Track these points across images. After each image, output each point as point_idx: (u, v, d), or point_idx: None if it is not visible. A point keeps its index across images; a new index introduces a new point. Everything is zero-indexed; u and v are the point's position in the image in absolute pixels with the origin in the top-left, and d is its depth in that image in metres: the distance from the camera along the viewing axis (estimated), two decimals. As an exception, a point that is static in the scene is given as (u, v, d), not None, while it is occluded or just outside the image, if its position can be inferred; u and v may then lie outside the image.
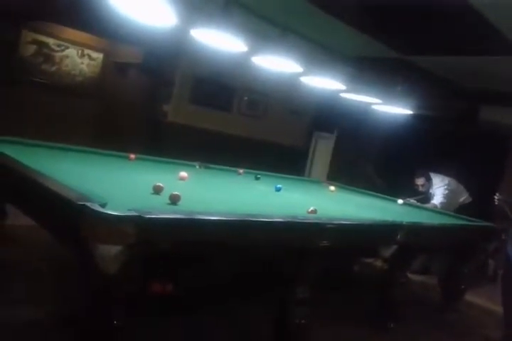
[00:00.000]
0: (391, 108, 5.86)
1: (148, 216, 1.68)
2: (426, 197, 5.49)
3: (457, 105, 7.11)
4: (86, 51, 7.18)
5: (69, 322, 2.39)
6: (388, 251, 3.37)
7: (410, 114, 6.28)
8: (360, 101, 5.79)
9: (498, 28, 4.28)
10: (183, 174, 3.40)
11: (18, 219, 2.76)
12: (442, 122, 7.45)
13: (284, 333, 2.46)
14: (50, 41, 6.80)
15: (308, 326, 2.46)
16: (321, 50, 5.92)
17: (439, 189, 5.34)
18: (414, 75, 6.29)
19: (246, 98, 7.36)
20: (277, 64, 4.10)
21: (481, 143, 6.79)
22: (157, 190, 2.50)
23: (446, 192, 5.29)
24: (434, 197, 5.34)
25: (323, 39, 5.78)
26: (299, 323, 2.43)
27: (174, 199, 2.27)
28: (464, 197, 5.52)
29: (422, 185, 5.45)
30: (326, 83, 4.75)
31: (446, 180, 5.45)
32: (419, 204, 5.14)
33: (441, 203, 5.21)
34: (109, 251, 1.58)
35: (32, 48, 6.63)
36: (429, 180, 5.43)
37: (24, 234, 3.66)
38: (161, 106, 6.62)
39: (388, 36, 5.29)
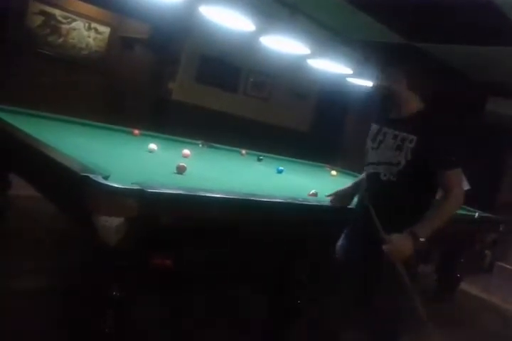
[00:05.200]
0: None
1: (150, 190, 1.69)
2: None
3: (464, 94, 7.05)
4: (93, 24, 7.10)
5: (69, 292, 2.42)
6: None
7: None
8: (367, 86, 5.75)
9: (510, 17, 4.23)
10: (186, 152, 3.41)
11: (22, 189, 2.77)
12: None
13: (280, 313, 2.48)
14: (57, 13, 6.71)
15: (303, 307, 2.49)
16: (329, 33, 5.85)
17: None
18: (423, 62, 6.23)
19: (252, 79, 7.31)
20: (285, 45, 4.06)
21: (486, 134, 6.75)
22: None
23: None
24: None
25: (332, 22, 5.71)
26: (295, 304, 2.45)
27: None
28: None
29: None
30: (333, 66, 4.72)
31: None
32: None
33: None
34: (111, 223, 1.59)
35: (39, 19, 6.55)
36: None
37: (28, 204, 3.67)
38: (166, 83, 6.59)
39: (398, 22, 5.22)
